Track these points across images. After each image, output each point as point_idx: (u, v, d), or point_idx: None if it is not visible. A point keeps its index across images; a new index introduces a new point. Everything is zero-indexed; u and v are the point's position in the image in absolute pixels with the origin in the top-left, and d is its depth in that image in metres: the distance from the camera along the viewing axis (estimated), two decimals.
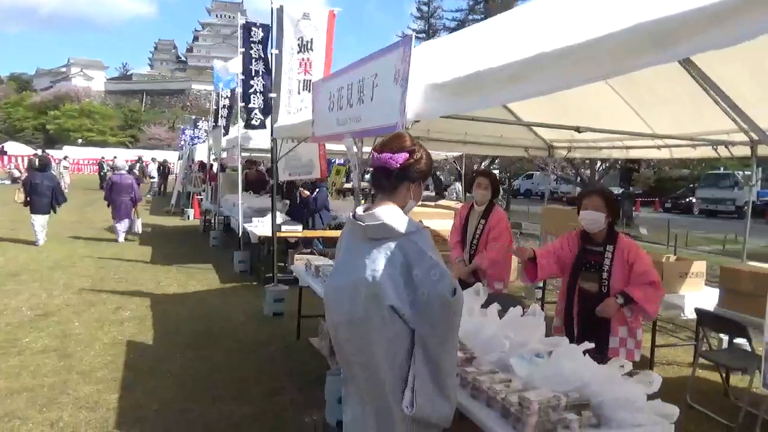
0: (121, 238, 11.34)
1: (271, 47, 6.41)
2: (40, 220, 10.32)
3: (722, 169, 22.12)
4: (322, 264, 4.85)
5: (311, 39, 6.41)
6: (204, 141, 18.14)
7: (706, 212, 24.96)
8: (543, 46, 2.07)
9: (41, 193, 10.28)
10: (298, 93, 6.50)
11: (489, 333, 2.89)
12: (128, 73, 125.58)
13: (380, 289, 1.77)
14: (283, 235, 7.20)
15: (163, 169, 29.18)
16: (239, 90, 8.36)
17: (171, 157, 38.82)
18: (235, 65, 10.47)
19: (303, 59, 6.43)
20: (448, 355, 1.84)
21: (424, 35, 58.39)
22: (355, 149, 3.97)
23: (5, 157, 39.19)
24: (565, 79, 2.02)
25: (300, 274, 5.26)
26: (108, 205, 11.42)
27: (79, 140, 75.42)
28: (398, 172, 1.95)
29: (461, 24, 56.03)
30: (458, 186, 17.42)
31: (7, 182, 28.74)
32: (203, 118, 20.55)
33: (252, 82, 8.08)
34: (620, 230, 3.74)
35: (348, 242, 2.01)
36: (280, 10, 6.29)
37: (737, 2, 1.32)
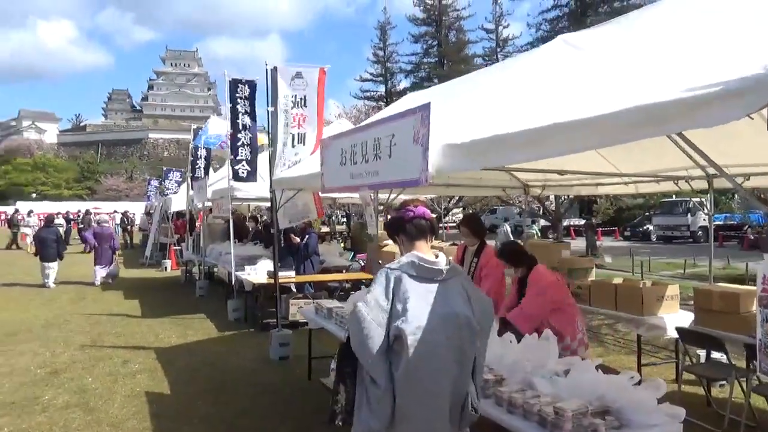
0: (98, 282, 12.99)
1: (267, 105, 6.85)
2: (48, 266, 12.47)
3: (674, 196, 23.43)
4: (335, 306, 5.18)
5: (304, 96, 6.88)
6: (176, 192, 18.28)
7: (663, 238, 26.28)
8: (555, 116, 2.57)
9: (48, 244, 12.51)
10: (293, 146, 6.92)
11: (512, 358, 3.31)
12: (82, 124, 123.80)
13: (470, 319, 2.29)
14: (281, 281, 7.47)
15: (128, 221, 28.96)
16: (228, 144, 8.69)
17: (132, 207, 38.51)
18: (224, 123, 11.04)
19: (297, 114, 6.88)
20: (482, 367, 2.50)
21: (381, 78, 60.17)
22: (370, 199, 4.42)
23: None
24: (574, 146, 2.51)
25: (310, 317, 5.58)
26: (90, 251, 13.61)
27: (33, 195, 73.54)
28: (430, 222, 2.55)
29: (417, 66, 58.13)
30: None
31: None
32: (174, 169, 20.67)
33: (239, 136, 8.48)
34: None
35: (413, 285, 2.29)
36: (275, 70, 6.77)
37: (711, 96, 1.85)
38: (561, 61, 3.78)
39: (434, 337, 2.23)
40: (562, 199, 16.36)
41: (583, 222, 25.62)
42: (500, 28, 55.30)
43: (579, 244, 20.19)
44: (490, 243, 5.59)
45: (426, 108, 3.35)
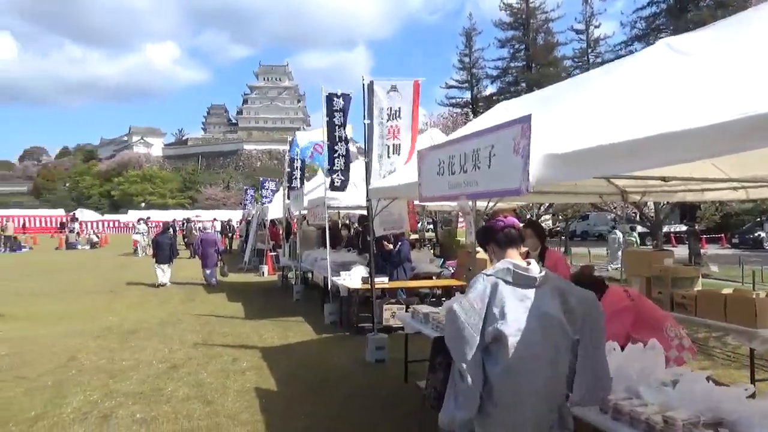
0: (214, 282, 14.43)
1: (364, 117, 7.13)
2: (162, 268, 14.14)
3: None
4: (431, 312, 5.33)
5: (399, 108, 7.11)
6: (271, 201, 19.22)
7: None
8: (662, 126, 2.58)
9: (163, 248, 14.16)
10: (388, 157, 7.17)
11: (616, 365, 3.30)
12: (184, 138, 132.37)
13: (563, 322, 2.41)
14: (376, 287, 7.72)
15: (229, 229, 30.62)
16: (325, 155, 9.07)
17: (225, 215, 40.77)
18: (309, 135, 11.61)
19: (392, 126, 7.13)
20: (603, 354, 2.52)
21: (466, 84, 59.81)
22: (468, 209, 4.54)
23: (82, 224, 41.78)
24: (682, 156, 2.51)
25: (406, 321, 5.76)
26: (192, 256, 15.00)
27: (142, 204, 79.59)
28: (519, 232, 2.73)
29: (504, 71, 57.23)
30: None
31: (87, 247, 30.65)
32: (269, 179, 21.70)
33: (336, 147, 8.86)
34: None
35: (509, 290, 2.46)
36: (371, 84, 7.05)
37: None
38: (665, 66, 3.72)
39: (532, 339, 2.38)
40: (662, 204, 15.55)
41: (684, 228, 24.16)
42: (591, 28, 53.18)
43: (681, 251, 19.08)
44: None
45: (527, 119, 3.43)
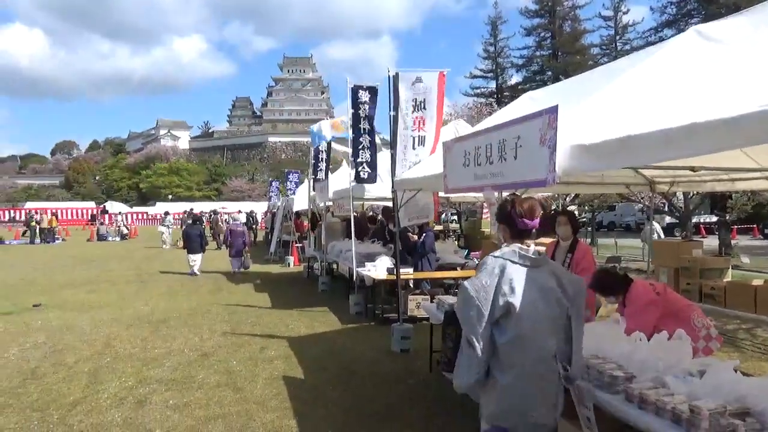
0: (235, 269, 15.17)
1: (389, 109, 7.15)
2: (193, 258, 14.75)
3: None
4: (455, 302, 5.36)
5: (424, 99, 7.13)
6: (294, 192, 19.42)
7: None
8: (693, 116, 2.56)
9: (193, 239, 14.78)
10: (413, 148, 7.20)
11: (642, 355, 3.31)
12: (210, 131, 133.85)
13: (560, 295, 2.68)
14: (403, 277, 7.78)
15: (252, 220, 30.94)
16: (350, 147, 9.12)
17: (250, 207, 41.22)
18: (329, 124, 11.72)
19: (417, 118, 7.15)
20: (582, 333, 2.76)
21: (491, 74, 59.27)
22: (494, 200, 4.56)
23: (113, 216, 42.70)
24: (714, 146, 2.49)
25: (431, 312, 5.81)
26: (220, 246, 16.11)
27: (169, 196, 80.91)
28: (535, 231, 2.91)
29: (529, 60, 56.53)
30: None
31: (117, 239, 31.33)
32: (293, 171, 21.89)
33: (360, 139, 8.93)
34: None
35: (515, 268, 2.68)
36: (396, 76, 7.07)
37: None
38: (695, 55, 3.67)
39: (537, 311, 2.63)
40: (692, 194, 15.28)
41: (715, 219, 23.70)
42: (619, 14, 52.10)
43: (711, 242, 18.73)
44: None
45: (553, 110, 3.43)
